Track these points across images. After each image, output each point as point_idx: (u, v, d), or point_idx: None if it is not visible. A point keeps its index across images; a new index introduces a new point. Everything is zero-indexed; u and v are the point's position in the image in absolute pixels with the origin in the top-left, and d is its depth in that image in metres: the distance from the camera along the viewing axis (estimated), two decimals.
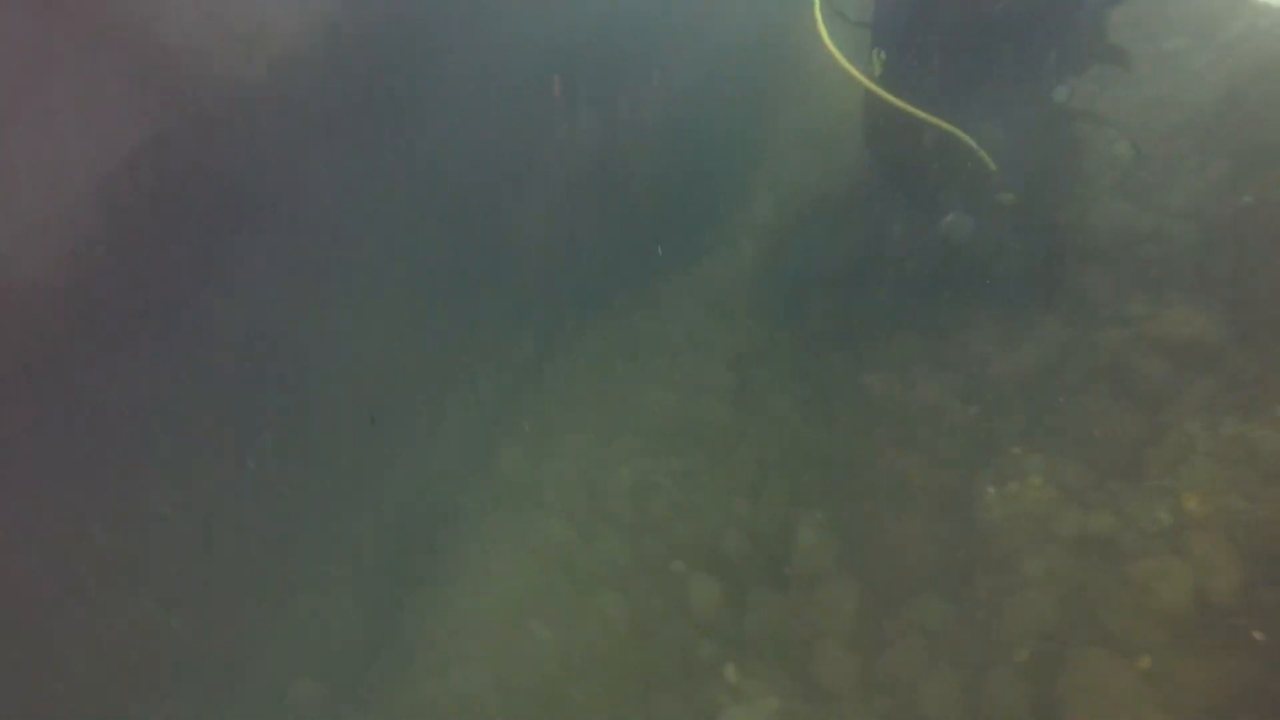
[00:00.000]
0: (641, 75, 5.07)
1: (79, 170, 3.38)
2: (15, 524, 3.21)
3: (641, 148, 4.88)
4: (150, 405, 3.57)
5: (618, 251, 4.64)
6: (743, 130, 4.91)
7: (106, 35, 3.37)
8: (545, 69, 4.87)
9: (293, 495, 4.00)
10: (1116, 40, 2.97)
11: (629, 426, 3.91)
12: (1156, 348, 2.69)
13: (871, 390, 3.22)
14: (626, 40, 5.02)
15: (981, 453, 2.75)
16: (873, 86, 2.86)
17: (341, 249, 4.17)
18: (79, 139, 3.38)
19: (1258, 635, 1.88)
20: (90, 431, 3.42)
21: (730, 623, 2.82)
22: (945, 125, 2.82)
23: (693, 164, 4.93)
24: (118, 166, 3.47)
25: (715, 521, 3.17)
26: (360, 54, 4.12)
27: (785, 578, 2.84)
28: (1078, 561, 2.34)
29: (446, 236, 4.53)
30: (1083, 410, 2.67)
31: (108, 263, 3.43)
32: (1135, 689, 1.97)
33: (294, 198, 4.07)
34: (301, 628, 3.71)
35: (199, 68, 3.68)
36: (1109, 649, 2.08)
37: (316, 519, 4.07)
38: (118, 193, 3.47)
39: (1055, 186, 3.26)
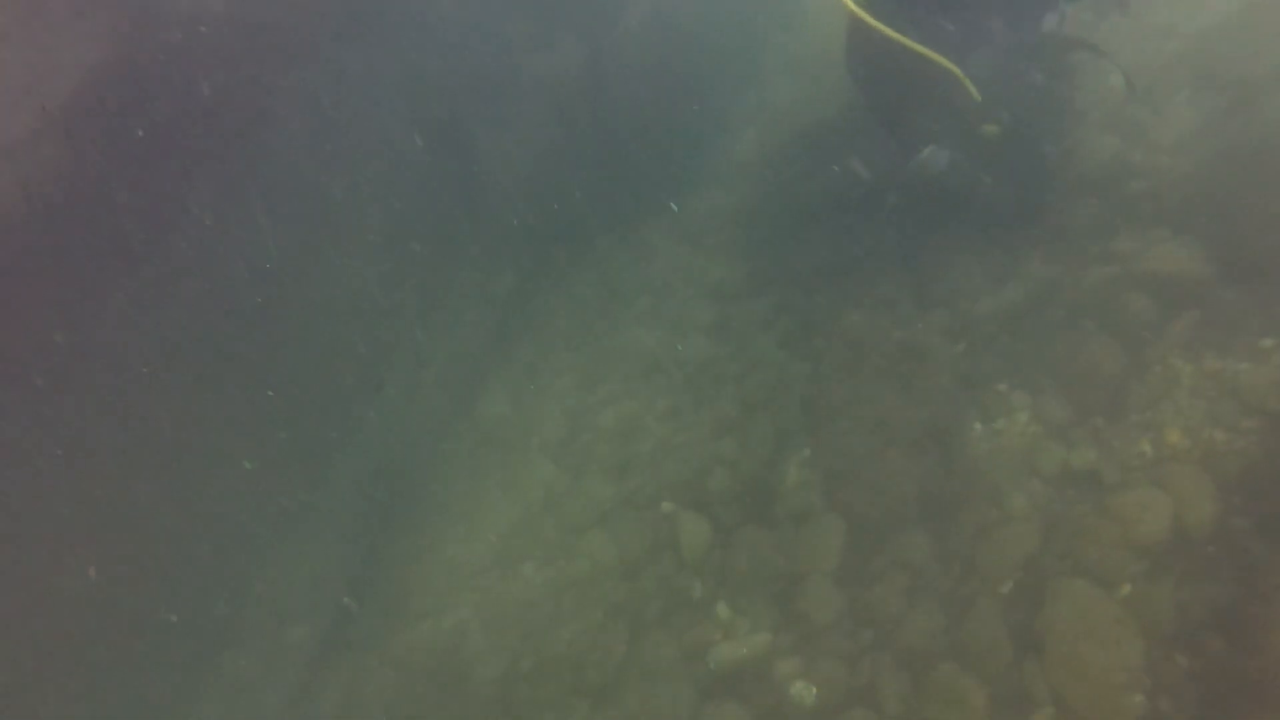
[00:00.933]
0: (619, 8, 4.86)
1: (29, 93, 3.18)
2: None
3: (626, 77, 4.71)
4: (122, 343, 3.46)
5: (600, 186, 4.53)
6: (726, 56, 4.75)
7: None
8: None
9: (275, 438, 3.95)
10: None
11: (614, 366, 3.90)
12: (1142, 284, 2.70)
13: (856, 327, 3.21)
14: None
15: (968, 389, 2.77)
16: (856, 9, 2.75)
17: (319, 179, 4.01)
18: (29, 58, 3.17)
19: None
20: (56, 372, 3.31)
21: (719, 561, 2.87)
22: (929, 53, 2.74)
23: (676, 92, 4.78)
24: (74, 89, 3.26)
25: (702, 460, 3.19)
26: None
27: (773, 516, 2.88)
28: (1060, 495, 2.39)
29: (429, 169, 4.38)
30: (1068, 347, 2.69)
31: (67, 191, 3.27)
32: (1115, 616, 2.04)
33: (266, 126, 3.89)
34: (291, 573, 3.71)
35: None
36: (1090, 579, 2.14)
37: (301, 464, 4.03)
38: (76, 118, 3.28)
39: (1043, 118, 3.20)
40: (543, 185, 4.68)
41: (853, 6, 2.73)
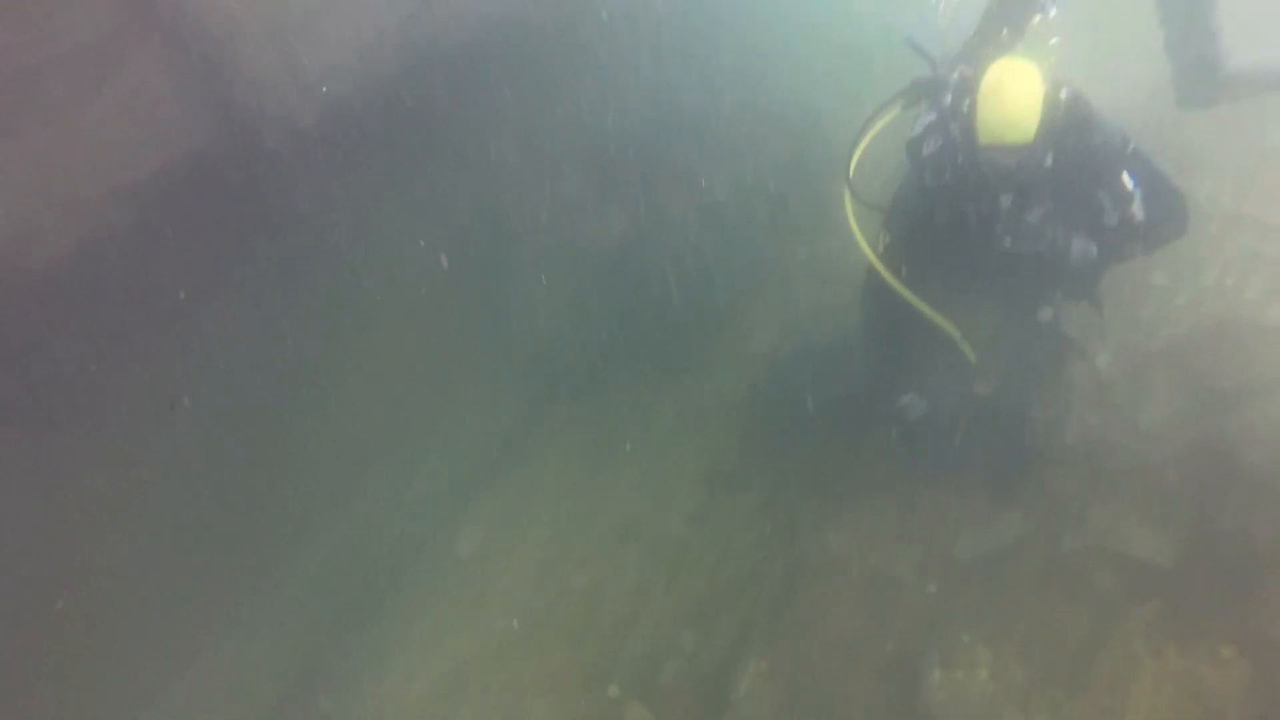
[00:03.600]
0: (674, 186, 5.33)
1: (119, 165, 3.48)
2: None
3: (661, 252, 5.08)
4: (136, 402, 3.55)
5: (615, 350, 4.76)
6: (757, 256, 5.13)
7: (176, 46, 3.54)
8: (582, 157, 5.13)
9: (230, 529, 3.91)
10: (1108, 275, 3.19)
11: (591, 529, 3.91)
12: (1111, 562, 2.79)
13: (833, 544, 3.28)
14: (662, 149, 5.32)
15: (933, 632, 2.79)
16: (874, 259, 3.02)
17: (355, 284, 4.25)
18: (126, 136, 3.49)
19: None
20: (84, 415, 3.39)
21: None
22: (932, 312, 2.97)
23: (704, 277, 5.11)
24: (157, 169, 3.57)
25: (660, 647, 3.15)
26: (408, 104, 4.33)
27: None
28: None
29: (460, 293, 4.63)
30: (1035, 610, 2.74)
31: (126, 256, 3.49)
32: None
33: (317, 227, 4.19)
34: (216, 680, 3.55)
35: (256, 95, 3.85)
36: None
37: (252, 565, 3.96)
38: (150, 192, 3.56)
39: (1030, 387, 3.42)
40: (563, 337, 4.92)
41: (871, 256, 3.00)
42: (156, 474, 3.69)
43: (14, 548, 3.21)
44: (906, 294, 2.95)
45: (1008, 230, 2.83)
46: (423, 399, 4.69)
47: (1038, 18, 3.15)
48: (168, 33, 3.51)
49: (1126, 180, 2.78)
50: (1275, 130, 4.34)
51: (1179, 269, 3.77)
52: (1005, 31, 3.28)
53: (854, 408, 3.85)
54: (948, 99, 2.91)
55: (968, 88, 2.73)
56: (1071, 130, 2.72)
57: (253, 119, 3.84)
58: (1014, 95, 2.59)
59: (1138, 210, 2.78)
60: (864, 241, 3.03)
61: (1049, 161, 2.73)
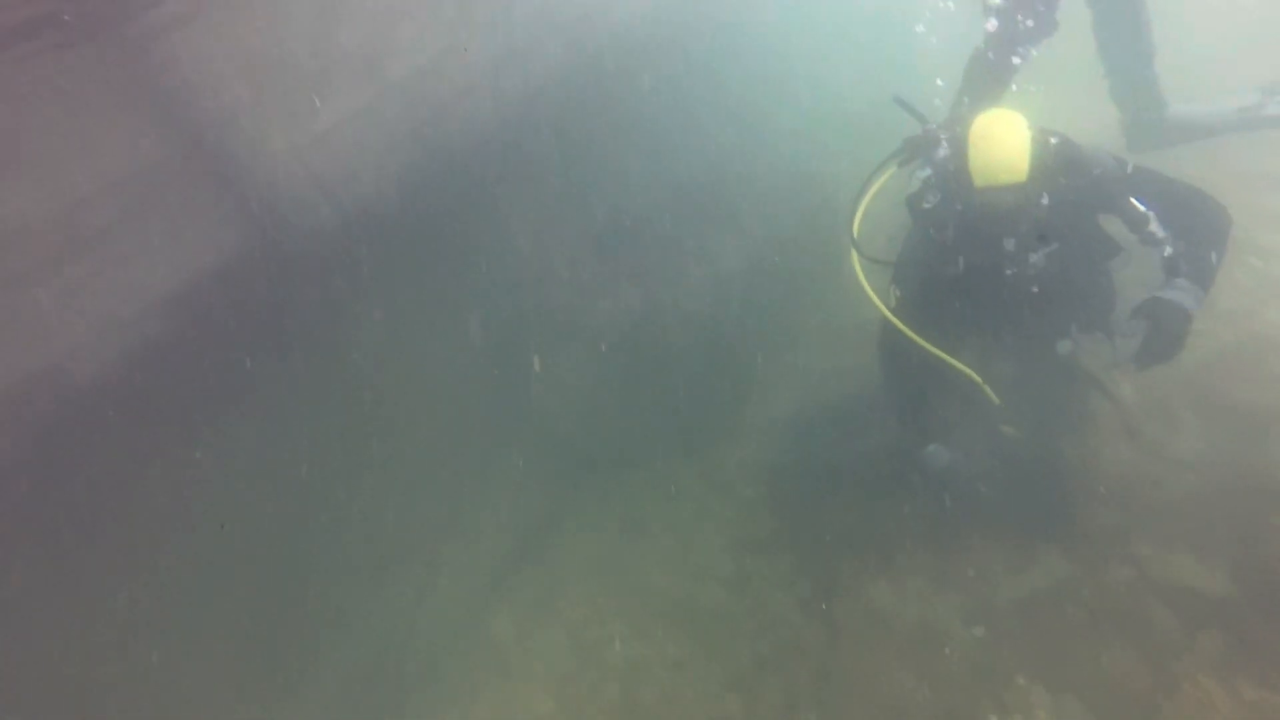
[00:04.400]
0: (685, 260, 5.49)
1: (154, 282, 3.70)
2: None
3: (677, 326, 5.19)
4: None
5: (641, 424, 4.80)
6: (772, 324, 5.22)
7: (214, 171, 3.82)
8: (594, 238, 5.33)
9: (265, 618, 3.91)
10: (1125, 301, 3.22)
11: (627, 605, 3.86)
12: (1162, 594, 2.71)
13: (873, 600, 3.21)
14: (671, 225, 5.51)
15: (984, 680, 2.70)
16: (888, 313, 3.09)
17: (380, 381, 4.37)
18: (161, 256, 3.72)
19: None
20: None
21: None
22: (951, 360, 3.01)
23: (724, 348, 5.19)
24: (189, 283, 3.79)
25: (705, 716, 3.05)
26: (422, 203, 4.57)
27: None
28: None
29: (481, 382, 4.73)
30: (1089, 648, 2.64)
31: (159, 368, 3.66)
32: None
33: (339, 330, 4.36)
34: None
35: (287, 215, 4.11)
36: None
37: (286, 652, 3.94)
38: (183, 307, 3.77)
39: (1057, 425, 3.41)
40: (585, 418, 4.98)
41: (882, 307, 3.07)
42: (186, 581, 3.75)
43: (42, 656, 3.25)
44: (923, 344, 3.00)
45: (1015, 267, 2.90)
46: (450, 490, 4.73)
47: (1017, 60, 3.35)
48: (200, 158, 3.80)
49: (1136, 204, 2.86)
50: (1266, 158, 4.44)
51: None
52: (989, 82, 3.47)
53: (881, 463, 3.84)
54: (940, 153, 3.04)
55: (959, 138, 2.86)
56: (1063, 170, 2.83)
57: (278, 230, 4.08)
58: (1002, 138, 2.71)
59: (1157, 229, 2.84)
60: (876, 297, 3.10)
61: (1045, 200, 2.82)
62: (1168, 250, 2.83)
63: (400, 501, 4.56)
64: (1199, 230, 2.83)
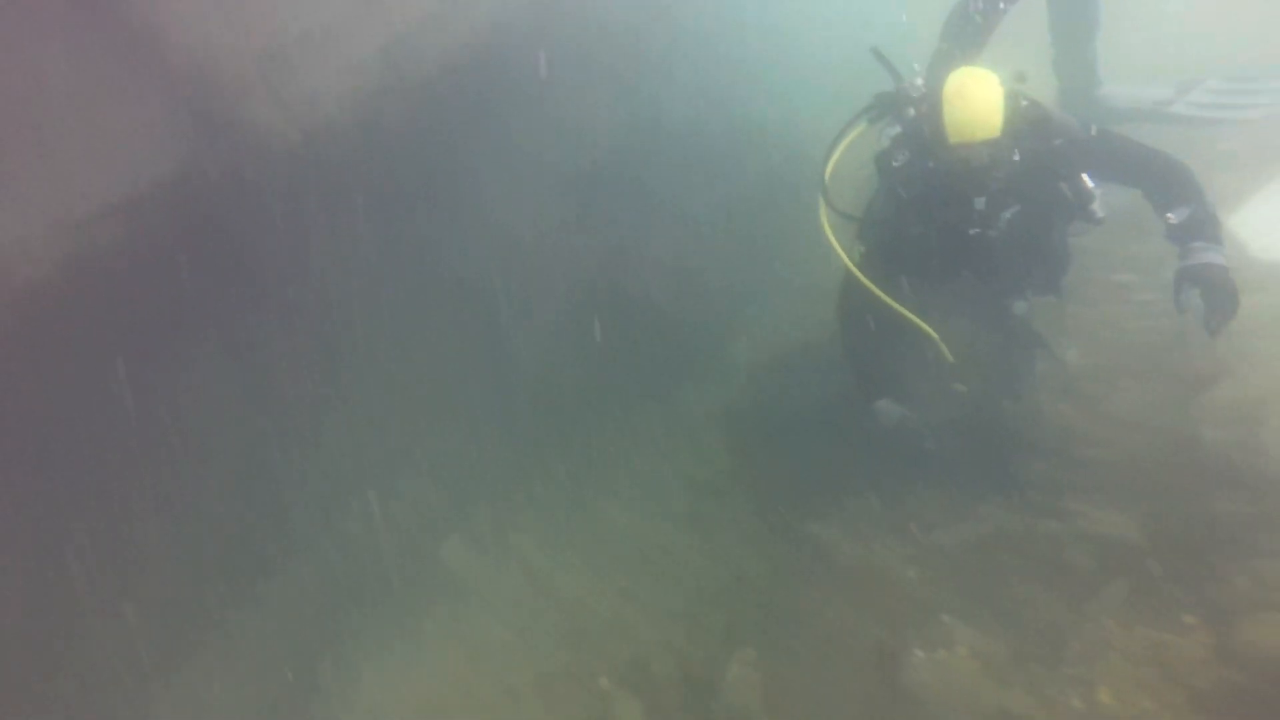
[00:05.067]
0: (658, 204, 5.48)
1: (101, 185, 3.58)
2: None
3: (643, 271, 5.20)
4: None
5: (603, 364, 4.85)
6: (740, 272, 5.26)
7: (165, 73, 3.68)
8: (567, 178, 5.28)
9: (212, 539, 3.93)
10: (1077, 268, 3.32)
11: (579, 537, 3.96)
12: (1085, 544, 2.88)
13: (818, 539, 3.35)
14: (645, 168, 5.48)
15: (914, 616, 2.86)
16: (852, 266, 3.14)
17: (342, 308, 4.33)
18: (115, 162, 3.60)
19: None
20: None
21: None
22: (910, 315, 3.09)
23: (688, 292, 5.23)
24: (136, 191, 3.67)
25: (650, 642, 3.19)
26: (391, 128, 4.47)
27: (708, 710, 2.84)
28: None
29: (446, 314, 4.71)
30: (1013, 590, 2.81)
31: (113, 275, 3.57)
32: None
33: (302, 251, 4.28)
34: (192, 693, 3.54)
35: (241, 125, 3.98)
36: None
37: (233, 576, 3.98)
38: (137, 213, 3.66)
39: (1005, 384, 3.54)
40: (550, 355, 5.01)
41: (846, 261, 3.12)
42: (134, 504, 3.73)
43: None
44: (884, 299, 3.06)
45: (982, 227, 2.96)
46: (411, 419, 4.74)
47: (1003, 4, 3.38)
48: (157, 65, 3.65)
49: (1087, 180, 2.93)
50: (1225, 138, 4.56)
51: (1143, 266, 3.93)
52: (970, 35, 3.49)
53: (835, 413, 3.95)
54: (911, 111, 3.06)
55: (933, 94, 2.88)
56: (1032, 130, 2.87)
57: (238, 145, 3.96)
58: (976, 95, 2.74)
59: (1098, 209, 2.92)
60: (840, 250, 3.15)
61: (1016, 156, 2.87)
62: (1171, 218, 2.86)
63: (358, 431, 4.57)
64: (1179, 190, 2.88)
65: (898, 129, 3.12)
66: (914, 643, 2.77)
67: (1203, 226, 2.81)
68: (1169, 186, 2.90)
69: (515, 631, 3.53)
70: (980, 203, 2.93)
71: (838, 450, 3.79)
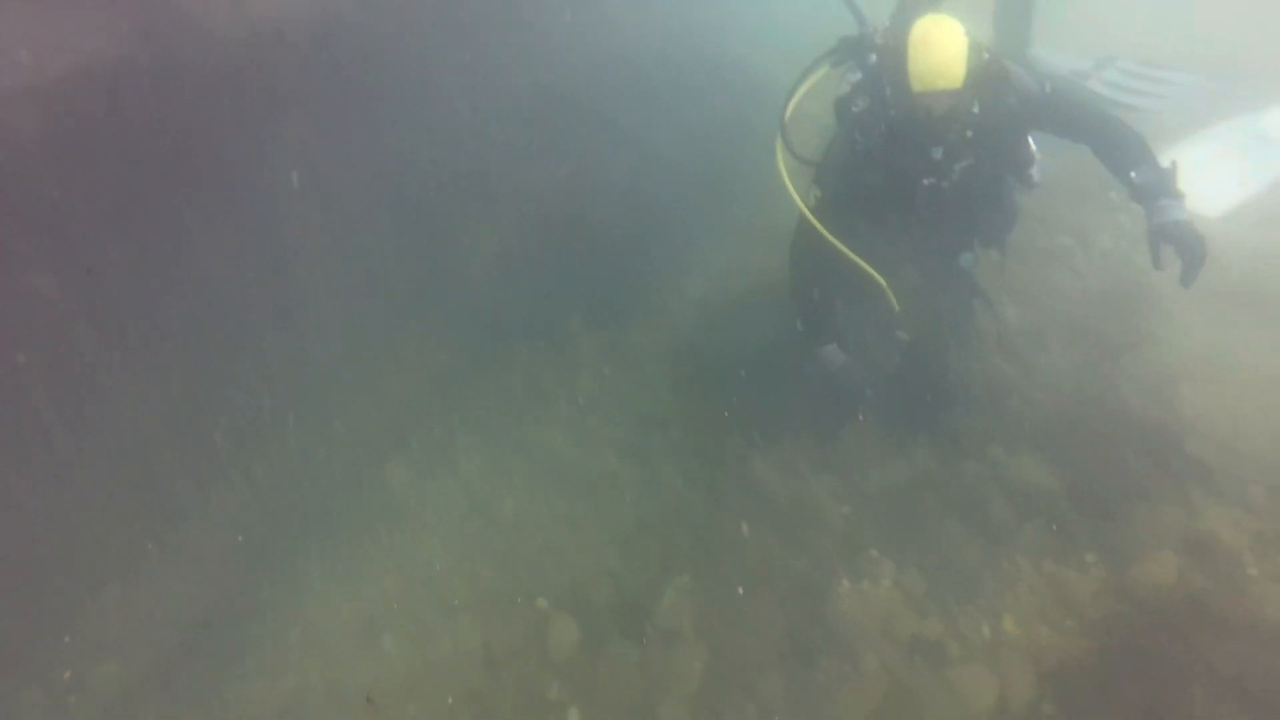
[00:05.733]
0: (617, 138, 5.38)
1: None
2: None
3: (600, 202, 5.13)
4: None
5: (552, 296, 4.81)
6: (696, 211, 5.24)
7: None
8: (523, 105, 5.13)
9: (147, 453, 3.82)
10: (1019, 231, 3.43)
11: (522, 462, 3.99)
12: (1004, 489, 3.06)
13: (755, 475, 3.45)
14: (605, 101, 5.35)
15: (843, 549, 3.00)
16: (807, 212, 3.17)
17: (282, 219, 4.15)
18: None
19: None
20: None
21: (582, 666, 2.89)
22: (861, 262, 3.15)
23: (645, 223, 5.19)
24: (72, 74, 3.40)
25: (586, 567, 3.27)
26: (346, 39, 4.23)
27: (642, 633, 2.95)
28: (907, 660, 2.58)
29: (394, 237, 4.58)
30: (936, 530, 2.98)
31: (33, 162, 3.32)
32: None
33: (241, 157, 4.06)
34: (125, 607, 3.47)
35: (187, 16, 3.70)
36: None
37: (170, 490, 3.88)
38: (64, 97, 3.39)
39: (945, 335, 3.67)
40: (499, 283, 4.93)
41: (800, 205, 3.14)
42: (61, 413, 3.57)
43: None
44: (837, 245, 3.10)
45: (936, 177, 3.01)
46: (353, 339, 4.63)
47: None
48: None
49: (1031, 143, 3.00)
50: (1171, 115, 4.72)
51: (1082, 232, 4.08)
52: None
53: (779, 355, 4.04)
54: (873, 58, 3.05)
55: (897, 42, 2.88)
56: (991, 84, 2.91)
57: (176, 32, 3.69)
58: (941, 43, 2.75)
59: (1036, 173, 3.00)
60: (795, 194, 3.16)
61: (976, 109, 2.90)
62: (1134, 176, 2.92)
63: (298, 349, 4.44)
64: (1136, 150, 2.95)
65: (859, 75, 3.11)
66: (841, 575, 2.91)
67: (1165, 184, 2.88)
68: (1125, 146, 2.97)
69: (455, 553, 3.56)
70: (938, 153, 2.96)
71: (781, 391, 3.89)
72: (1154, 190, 2.88)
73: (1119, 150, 2.98)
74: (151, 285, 3.87)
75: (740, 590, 2.98)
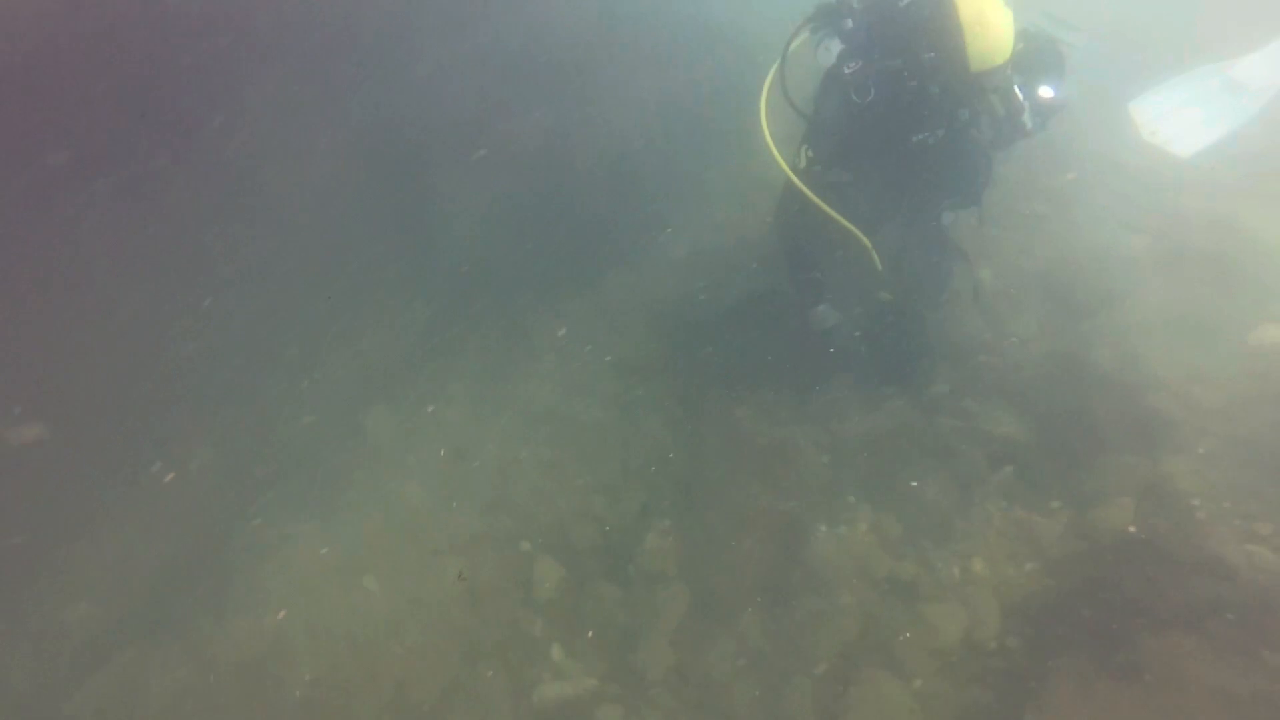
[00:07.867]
0: (605, 92, 5.32)
1: None
2: None
3: (584, 154, 5.10)
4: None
5: (538, 247, 4.79)
6: (683, 167, 5.23)
7: None
8: (511, 56, 5.05)
9: (135, 402, 3.78)
10: (998, 196, 3.51)
11: (506, 410, 4.00)
12: (978, 439, 3.17)
13: (739, 423, 3.52)
14: (594, 55, 5.29)
15: (822, 495, 3.09)
16: (793, 175, 3.20)
17: (269, 170, 4.08)
18: None
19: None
20: None
21: (565, 606, 2.96)
22: (847, 223, 3.19)
23: (627, 181, 5.18)
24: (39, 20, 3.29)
25: (570, 512, 3.32)
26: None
27: (625, 574, 3.02)
28: (881, 598, 2.69)
29: (380, 187, 4.52)
30: (912, 478, 3.08)
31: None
32: (908, 705, 2.30)
33: (222, 117, 3.97)
34: (103, 547, 3.45)
35: None
36: (892, 671, 2.41)
37: (160, 435, 3.85)
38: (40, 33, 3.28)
39: (925, 295, 3.76)
40: (484, 234, 4.90)
41: (785, 168, 3.17)
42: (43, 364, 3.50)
43: None
44: (822, 205, 3.14)
45: (927, 133, 3.05)
46: (338, 289, 4.59)
47: None
48: None
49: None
50: (1140, 95, 4.83)
51: (1058, 201, 4.18)
52: None
53: (765, 307, 4.09)
54: (849, 23, 3.07)
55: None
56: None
57: None
58: (996, 22, 2.77)
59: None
60: (781, 159, 3.19)
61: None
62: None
63: (279, 295, 4.39)
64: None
65: (836, 42, 3.12)
66: (819, 519, 3.01)
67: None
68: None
69: (438, 498, 3.58)
70: (940, 116, 3.02)
71: (763, 344, 3.95)
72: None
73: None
74: (123, 229, 3.78)
75: (721, 533, 3.05)
